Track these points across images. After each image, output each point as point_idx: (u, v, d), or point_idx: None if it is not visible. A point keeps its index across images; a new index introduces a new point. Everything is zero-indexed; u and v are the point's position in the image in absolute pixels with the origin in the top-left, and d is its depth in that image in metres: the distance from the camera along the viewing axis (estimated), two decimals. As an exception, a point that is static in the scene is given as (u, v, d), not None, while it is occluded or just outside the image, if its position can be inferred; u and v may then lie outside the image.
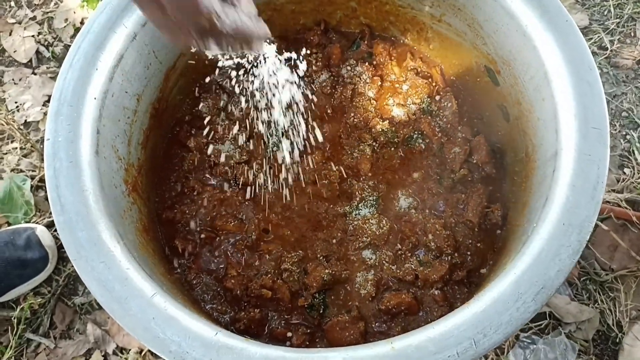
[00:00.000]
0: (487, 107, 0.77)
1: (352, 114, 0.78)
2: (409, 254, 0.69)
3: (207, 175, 0.75)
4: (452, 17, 0.73)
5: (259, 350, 0.46)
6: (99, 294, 0.48)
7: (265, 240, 0.71)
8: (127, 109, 0.64)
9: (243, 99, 0.80)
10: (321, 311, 0.67)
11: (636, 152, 1.14)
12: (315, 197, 0.73)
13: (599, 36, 1.27)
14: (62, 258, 1.01)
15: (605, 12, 1.28)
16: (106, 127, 0.59)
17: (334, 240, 0.71)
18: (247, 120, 0.78)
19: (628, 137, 1.16)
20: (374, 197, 0.72)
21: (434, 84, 0.81)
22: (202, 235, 0.71)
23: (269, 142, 0.76)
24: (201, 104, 0.79)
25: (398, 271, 0.68)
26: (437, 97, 0.80)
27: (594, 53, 1.23)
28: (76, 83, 0.57)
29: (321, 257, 0.69)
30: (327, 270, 0.67)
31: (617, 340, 0.92)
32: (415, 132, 0.77)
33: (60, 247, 1.01)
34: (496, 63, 0.70)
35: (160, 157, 0.75)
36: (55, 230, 1.02)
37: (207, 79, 0.81)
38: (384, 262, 0.69)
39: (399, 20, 0.80)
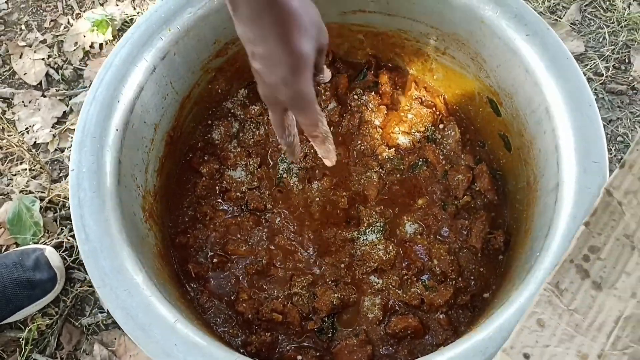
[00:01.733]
0: (489, 136, 0.80)
1: (359, 142, 0.81)
2: (415, 279, 0.72)
3: (219, 201, 0.78)
4: (455, 50, 0.76)
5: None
6: (123, 322, 0.50)
7: (275, 265, 0.73)
8: (145, 138, 0.67)
9: (254, 127, 0.82)
10: (330, 335, 0.69)
11: (631, 176, 1.16)
12: (324, 223, 0.76)
13: (594, 62, 1.31)
14: (70, 279, 1.02)
15: (601, 39, 1.33)
16: (127, 157, 0.61)
17: (342, 265, 0.73)
18: (258, 147, 0.81)
19: (623, 161, 1.19)
20: (381, 223, 0.75)
21: (437, 112, 0.84)
22: (215, 260, 0.73)
23: (279, 169, 0.79)
24: (214, 131, 0.81)
25: (404, 295, 0.71)
26: (441, 126, 0.82)
27: (589, 79, 1.27)
28: (99, 115, 0.60)
29: (330, 282, 0.71)
30: (335, 294, 0.69)
31: None
32: (420, 160, 0.80)
33: (68, 268, 1.03)
34: (498, 95, 0.74)
35: (174, 183, 0.77)
36: (64, 251, 1.04)
37: (220, 107, 0.84)
38: (390, 286, 0.72)
39: (404, 52, 0.83)
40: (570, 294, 0.47)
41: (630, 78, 1.29)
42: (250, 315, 0.69)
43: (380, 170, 0.79)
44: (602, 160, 0.57)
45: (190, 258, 0.73)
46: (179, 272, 0.72)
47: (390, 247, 0.73)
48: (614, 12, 1.36)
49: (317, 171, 0.79)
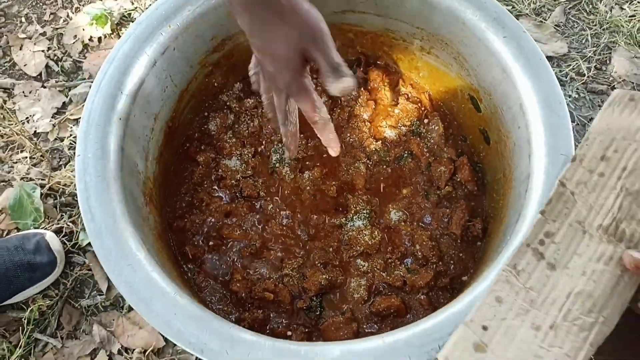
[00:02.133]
0: (470, 130, 0.85)
1: (349, 134, 0.86)
2: (398, 262, 0.77)
3: (215, 188, 0.82)
4: (439, 50, 0.81)
5: (268, 342, 0.53)
6: (127, 295, 0.54)
7: (268, 248, 0.78)
8: (146, 127, 0.71)
9: (249, 119, 0.87)
10: (318, 313, 0.74)
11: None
12: (314, 210, 0.80)
13: (577, 63, 1.36)
14: (70, 263, 1.06)
15: (583, 41, 1.38)
16: (129, 144, 0.65)
17: (331, 249, 0.78)
18: (252, 138, 0.86)
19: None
20: (367, 210, 0.80)
21: (422, 108, 0.89)
22: (210, 243, 0.78)
23: (272, 159, 0.84)
24: (210, 123, 0.86)
25: (388, 277, 0.76)
26: (426, 121, 0.87)
27: (571, 79, 1.33)
28: (103, 105, 0.64)
29: (319, 264, 0.76)
30: (324, 276, 0.74)
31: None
32: (406, 152, 0.85)
33: (67, 252, 1.07)
34: (479, 92, 0.78)
35: (172, 171, 0.81)
36: (64, 236, 1.08)
37: (216, 100, 0.88)
38: (375, 269, 0.77)
39: (392, 51, 0.88)
40: (527, 274, 0.51)
41: (611, 78, 1.34)
42: (243, 294, 0.73)
43: (368, 161, 0.84)
44: (569, 153, 0.62)
45: (188, 241, 0.77)
46: (176, 254, 0.76)
47: (376, 233, 0.78)
48: (596, 15, 1.41)
49: (307, 162, 0.84)
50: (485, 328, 0.49)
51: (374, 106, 0.88)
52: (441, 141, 0.85)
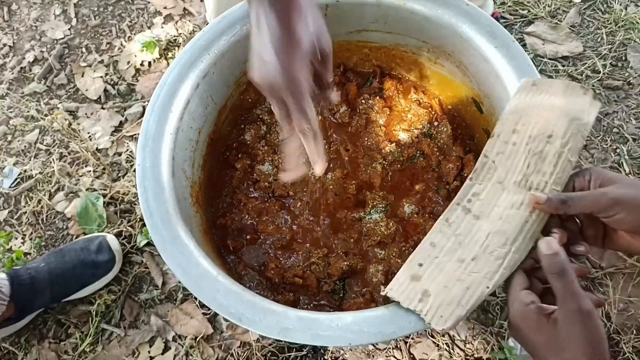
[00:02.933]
0: (476, 130, 0.94)
1: (366, 138, 0.97)
2: (412, 250, 0.87)
3: (251, 190, 0.95)
4: (444, 60, 0.91)
5: (295, 313, 0.64)
6: (180, 276, 0.67)
7: (297, 240, 0.90)
8: (192, 140, 0.84)
9: (279, 129, 0.99)
10: (341, 295, 0.85)
11: (624, 164, 1.28)
12: (337, 206, 0.92)
13: (592, 61, 1.42)
14: (129, 262, 1.21)
15: (599, 40, 1.44)
16: (178, 154, 0.79)
17: (352, 240, 0.89)
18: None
19: (618, 150, 1.30)
20: (383, 205, 0.90)
21: (433, 112, 0.98)
22: (248, 237, 0.90)
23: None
24: (246, 133, 0.99)
25: (402, 263, 0.86)
26: (436, 123, 0.97)
27: (587, 76, 1.39)
28: (157, 123, 0.78)
29: (341, 253, 0.87)
30: (345, 262, 0.85)
31: (607, 329, 1.07)
32: (418, 152, 0.95)
33: (127, 253, 1.22)
34: (480, 96, 0.88)
35: (215, 176, 0.94)
36: (123, 239, 1.23)
37: (251, 113, 1.01)
38: (391, 256, 0.87)
39: (403, 62, 0.98)
40: (456, 224, 0.65)
41: (627, 74, 1.39)
42: (277, 280, 0.85)
43: (384, 161, 0.94)
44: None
45: (229, 235, 0.90)
46: (220, 247, 0.89)
47: (391, 224, 0.88)
48: (611, 14, 1.47)
49: (330, 164, 0.95)
50: (420, 264, 0.64)
51: (388, 112, 0.99)
52: (450, 141, 0.95)
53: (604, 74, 1.38)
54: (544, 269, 0.56)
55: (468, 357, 1.09)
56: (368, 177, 0.94)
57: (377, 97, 0.99)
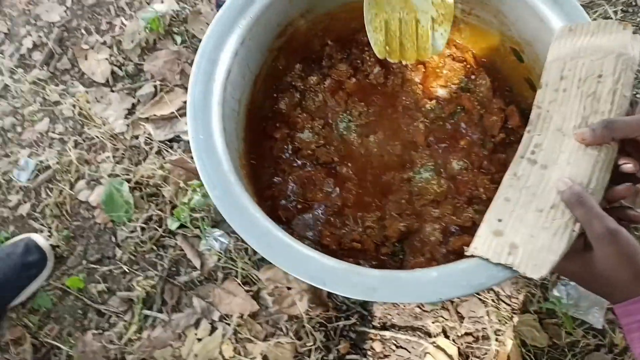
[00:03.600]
0: (515, 81, 0.93)
1: (404, 98, 0.95)
2: (466, 206, 0.86)
3: (294, 159, 0.93)
4: (480, 10, 0.89)
5: (379, 272, 0.64)
6: (253, 243, 0.65)
7: (348, 205, 0.89)
8: (234, 110, 0.82)
9: (314, 95, 0.97)
10: (401, 256, 0.85)
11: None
12: (383, 168, 0.91)
13: (603, 8, 1.41)
14: (163, 246, 1.19)
15: (607, -16, 1.42)
16: (227, 125, 0.76)
17: (403, 201, 0.88)
18: (319, 111, 0.96)
19: (638, 95, 1.31)
20: (432, 163, 0.89)
21: (468, 66, 0.97)
22: (298, 206, 0.89)
23: (340, 128, 0.94)
24: (280, 102, 0.96)
25: (458, 220, 0.85)
26: (473, 77, 0.96)
27: (598, 23, 1.38)
28: (203, 93, 0.75)
29: (395, 214, 0.86)
30: (401, 224, 0.85)
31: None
32: (458, 107, 0.94)
33: (160, 237, 1.19)
34: (520, 44, 0.86)
35: (256, 147, 0.92)
36: (154, 223, 1.20)
37: (282, 82, 0.98)
38: (446, 213, 0.86)
39: (435, 16, 0.96)
40: (525, 177, 0.65)
41: (639, 19, 1.39)
42: (334, 247, 0.84)
43: (425, 120, 0.93)
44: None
45: (279, 206, 0.88)
46: (272, 218, 0.88)
47: (442, 182, 0.88)
48: (616, -41, 1.45)
49: (371, 127, 0.94)
50: (499, 220, 0.63)
51: (423, 69, 0.97)
52: (489, 94, 0.94)
53: (616, 20, 1.38)
54: (565, 204, 0.59)
55: (515, 311, 1.10)
56: (411, 136, 0.92)
57: (410, 55, 0.97)
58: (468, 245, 0.82)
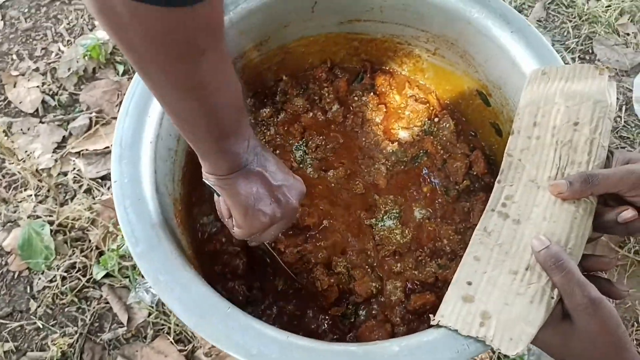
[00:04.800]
0: (480, 125, 0.88)
1: (364, 139, 0.88)
2: (429, 259, 0.78)
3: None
4: (445, 50, 0.84)
5: (328, 347, 0.54)
6: (181, 313, 0.54)
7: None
8: (171, 149, 0.71)
9: (265, 128, 0.88)
10: (352, 320, 0.75)
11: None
12: (347, 205, 0.82)
13: (561, 54, 1.41)
14: (85, 298, 1.05)
15: (565, 33, 1.43)
16: (159, 167, 0.65)
17: (369, 251, 0.79)
18: (270, 145, 0.87)
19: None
20: (397, 210, 0.81)
21: (431, 108, 0.91)
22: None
23: (294, 158, 0.86)
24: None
25: (420, 275, 0.77)
26: (436, 119, 0.90)
27: (556, 70, 1.38)
28: (134, 129, 0.64)
29: (366, 266, 0.78)
30: (374, 284, 0.76)
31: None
32: (421, 151, 0.87)
33: (82, 288, 1.05)
34: (487, 87, 0.81)
35: (196, 192, 0.81)
36: (77, 272, 1.06)
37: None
38: (407, 268, 0.78)
39: (396, 55, 0.90)
40: (497, 233, 0.58)
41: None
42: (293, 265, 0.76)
43: (386, 162, 0.85)
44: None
45: (218, 262, 0.77)
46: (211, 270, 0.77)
47: (407, 232, 0.79)
48: (574, 8, 1.47)
49: (328, 162, 0.85)
50: (469, 283, 0.56)
51: (384, 109, 0.90)
52: (453, 137, 0.87)
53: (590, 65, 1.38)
54: (540, 265, 0.53)
55: (474, 369, 1.01)
56: (372, 179, 0.84)
57: (371, 94, 0.90)
58: (429, 305, 0.74)
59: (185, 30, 0.39)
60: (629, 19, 1.42)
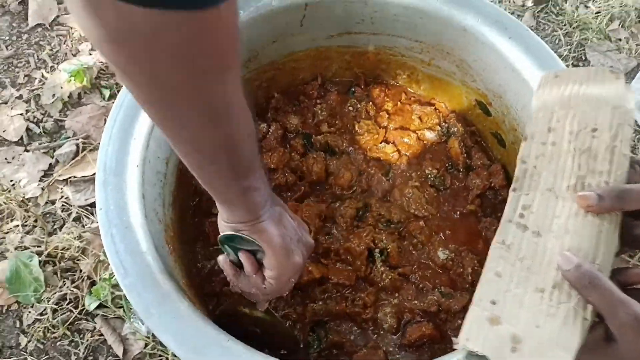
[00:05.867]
0: (480, 135, 0.85)
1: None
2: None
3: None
4: (440, 60, 0.81)
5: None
6: (176, 347, 0.50)
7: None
8: (160, 172, 0.68)
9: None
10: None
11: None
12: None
13: (553, 62, 1.39)
14: (78, 331, 1.00)
15: (557, 41, 1.42)
16: (148, 191, 0.62)
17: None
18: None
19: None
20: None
21: (439, 111, 0.88)
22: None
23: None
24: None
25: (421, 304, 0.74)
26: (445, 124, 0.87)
27: (551, 78, 1.36)
28: (118, 153, 0.61)
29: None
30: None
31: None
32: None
33: (74, 320, 1.01)
34: (487, 96, 0.79)
35: (188, 217, 0.78)
36: (68, 304, 1.02)
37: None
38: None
39: (390, 67, 0.88)
40: (516, 246, 0.53)
41: (590, 74, 1.38)
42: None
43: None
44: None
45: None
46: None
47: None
48: (564, 15, 1.46)
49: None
50: (493, 302, 0.51)
51: (387, 116, 0.88)
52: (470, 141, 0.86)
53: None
54: (572, 284, 0.49)
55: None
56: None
57: (369, 103, 0.88)
58: (427, 336, 0.71)
59: (216, 34, 0.34)
60: (619, 25, 1.41)
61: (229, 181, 0.48)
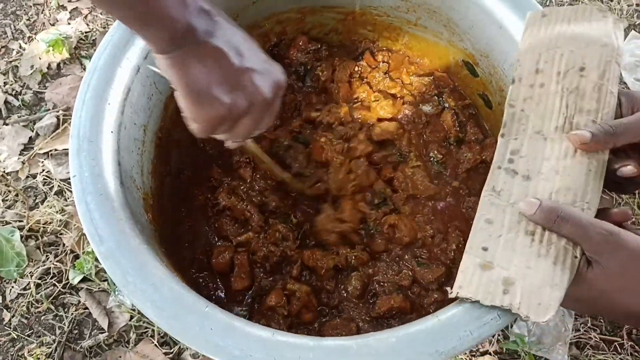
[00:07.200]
0: (469, 97, 0.83)
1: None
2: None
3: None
4: (428, 20, 0.79)
5: (318, 342, 0.49)
6: (153, 315, 0.49)
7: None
8: (137, 140, 0.66)
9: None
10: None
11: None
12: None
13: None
14: (63, 305, 0.99)
15: (547, 2, 1.39)
16: (124, 159, 0.60)
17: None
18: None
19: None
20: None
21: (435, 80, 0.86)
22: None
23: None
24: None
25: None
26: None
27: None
28: (92, 119, 0.59)
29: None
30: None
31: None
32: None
33: (59, 294, 1.00)
34: (474, 56, 0.76)
35: (169, 186, 0.76)
36: (52, 278, 1.01)
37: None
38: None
39: (375, 29, 0.85)
40: (507, 192, 0.53)
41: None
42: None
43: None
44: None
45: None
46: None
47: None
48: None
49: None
50: (485, 249, 0.51)
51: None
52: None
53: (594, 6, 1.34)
54: (543, 226, 0.49)
55: (473, 353, 0.98)
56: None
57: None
58: (397, 308, 0.70)
59: None
60: (610, -15, 1.38)
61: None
